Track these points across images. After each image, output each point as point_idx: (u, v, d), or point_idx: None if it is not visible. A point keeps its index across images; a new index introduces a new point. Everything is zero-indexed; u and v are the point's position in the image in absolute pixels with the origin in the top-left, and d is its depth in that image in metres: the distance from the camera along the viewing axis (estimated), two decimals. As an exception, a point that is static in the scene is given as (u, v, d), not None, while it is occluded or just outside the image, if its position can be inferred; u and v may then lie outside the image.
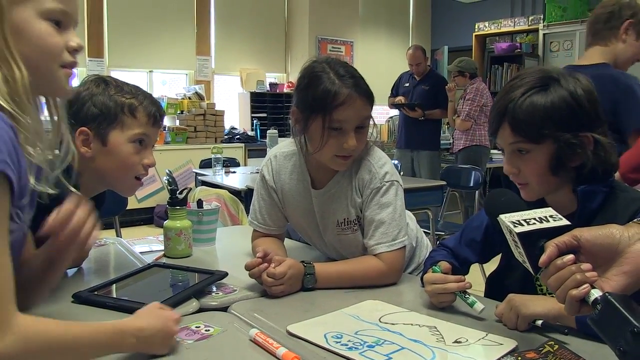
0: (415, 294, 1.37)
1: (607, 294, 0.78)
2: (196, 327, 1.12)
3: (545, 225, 0.92)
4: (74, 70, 0.97)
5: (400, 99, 5.22)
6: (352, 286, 1.39)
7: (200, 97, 6.92)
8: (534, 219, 0.94)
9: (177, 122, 6.71)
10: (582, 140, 1.15)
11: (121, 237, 2.72)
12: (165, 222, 1.69)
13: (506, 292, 1.19)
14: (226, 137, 6.89)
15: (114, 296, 1.22)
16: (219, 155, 4.49)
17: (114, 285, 1.31)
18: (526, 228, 0.92)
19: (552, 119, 1.15)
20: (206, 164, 4.83)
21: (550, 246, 0.87)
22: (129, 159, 1.36)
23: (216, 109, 6.78)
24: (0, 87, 0.84)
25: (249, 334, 1.06)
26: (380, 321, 1.16)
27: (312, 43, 7.42)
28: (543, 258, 0.87)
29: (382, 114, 7.49)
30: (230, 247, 1.86)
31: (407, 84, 5.27)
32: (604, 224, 0.89)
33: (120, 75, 6.73)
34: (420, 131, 5.11)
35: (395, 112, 6.00)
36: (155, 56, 6.78)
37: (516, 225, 0.92)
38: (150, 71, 6.97)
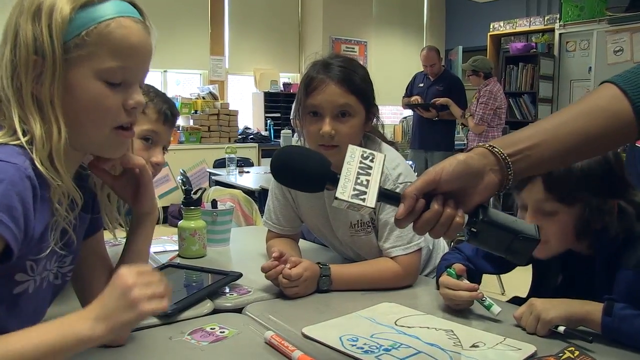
0: (431, 296, 1.35)
1: (483, 218, 0.83)
2: (211, 328, 1.11)
3: (375, 176, 0.87)
4: (129, 131, 0.91)
5: (416, 98, 5.19)
6: (368, 288, 1.38)
7: (214, 97, 6.93)
8: (359, 174, 0.86)
9: (191, 121, 6.73)
10: (611, 206, 1.15)
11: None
12: (179, 222, 1.69)
13: None
14: (240, 137, 6.90)
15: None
16: (232, 155, 4.50)
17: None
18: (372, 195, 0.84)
19: (587, 182, 1.14)
20: (220, 163, 4.84)
21: (409, 197, 0.82)
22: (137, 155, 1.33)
23: (230, 108, 6.79)
24: (39, 145, 0.82)
25: (264, 336, 1.06)
26: (396, 324, 1.15)
27: (325, 43, 7.40)
28: (401, 209, 0.82)
29: (396, 114, 7.45)
30: (244, 248, 1.86)
31: (421, 84, 5.24)
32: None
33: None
34: (434, 132, 5.07)
35: (409, 112, 5.96)
36: (170, 56, 6.80)
37: (361, 194, 0.83)
38: (164, 71, 7.00)
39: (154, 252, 1.71)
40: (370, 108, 1.43)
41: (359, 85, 1.39)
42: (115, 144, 0.91)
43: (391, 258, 1.41)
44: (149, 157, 1.36)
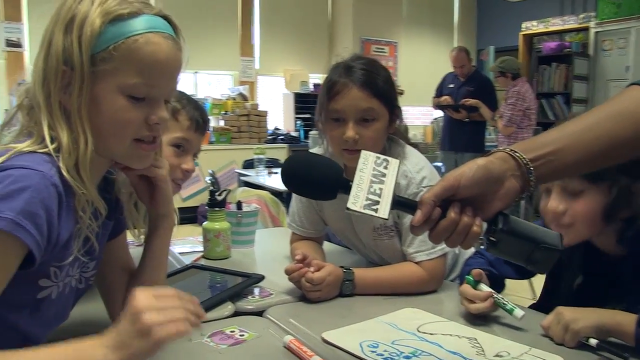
0: (455, 302, 1.32)
1: (502, 227, 0.80)
2: (231, 331, 1.11)
3: (389, 184, 0.84)
4: (151, 145, 0.91)
5: (445, 98, 5.13)
6: (392, 293, 1.36)
7: (244, 98, 6.98)
8: (373, 182, 0.83)
9: (222, 122, 6.79)
10: (638, 189, 1.10)
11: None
12: (204, 223, 1.69)
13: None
14: (270, 137, 6.93)
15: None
16: (261, 156, 4.52)
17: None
18: (386, 205, 0.81)
19: None
20: (249, 164, 4.86)
21: (426, 204, 0.79)
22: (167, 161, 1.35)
23: (260, 109, 6.83)
24: (65, 154, 0.83)
25: (283, 341, 1.05)
26: (418, 331, 1.13)
27: (355, 44, 7.37)
28: (418, 217, 0.79)
29: (427, 115, 7.38)
30: (269, 249, 1.86)
31: (451, 85, 5.18)
32: None
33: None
34: (464, 133, 5.00)
35: (440, 113, 5.90)
36: (201, 58, 6.87)
37: (374, 203, 0.81)
38: (195, 72, 7.08)
39: (180, 253, 1.72)
40: (393, 110, 1.41)
41: (381, 88, 1.37)
42: (136, 156, 0.91)
43: (415, 263, 1.39)
44: (180, 164, 1.37)
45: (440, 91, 5.30)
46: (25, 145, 0.82)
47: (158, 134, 0.92)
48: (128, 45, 0.84)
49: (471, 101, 4.86)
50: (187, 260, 1.62)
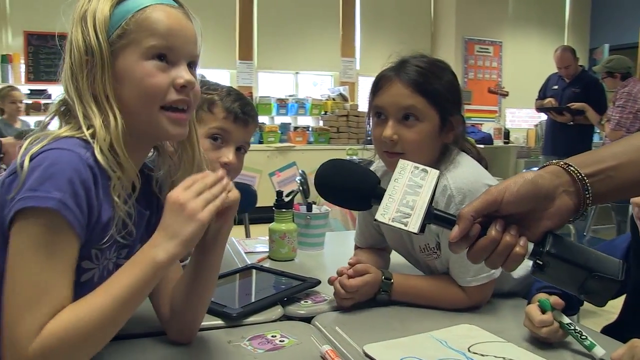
0: (519, 320, 1.21)
1: (549, 249, 0.73)
2: (272, 336, 1.09)
3: (425, 196, 0.78)
4: (182, 114, 0.94)
5: (550, 100, 4.83)
6: (427, 306, 1.28)
7: (344, 99, 7.00)
8: (407, 193, 0.78)
9: (321, 122, 6.86)
10: None
11: (249, 236, 2.84)
12: (270, 224, 1.70)
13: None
14: (368, 138, 6.86)
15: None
16: (354, 157, 4.50)
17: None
18: (419, 217, 0.76)
19: None
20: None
21: (464, 219, 0.72)
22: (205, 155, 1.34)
23: (359, 110, 6.81)
24: (100, 136, 0.87)
25: (320, 350, 1.02)
26: (468, 350, 1.05)
27: (458, 44, 7.16)
28: (454, 233, 0.73)
29: (533, 117, 7.01)
30: (338, 253, 1.82)
31: (555, 87, 4.86)
32: None
33: (268, 77, 7.07)
34: (567, 137, 4.66)
35: (545, 116, 5.57)
36: (302, 58, 6.98)
37: (405, 216, 0.76)
38: (296, 73, 7.20)
39: (245, 252, 1.74)
40: (446, 116, 1.28)
41: (433, 88, 1.25)
42: (166, 124, 0.93)
43: (460, 286, 1.28)
44: (218, 158, 1.35)
45: (543, 93, 5.00)
46: (63, 131, 0.88)
47: (189, 99, 0.94)
48: (137, 17, 0.90)
49: (577, 105, 4.53)
50: (252, 259, 1.64)
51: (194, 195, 0.84)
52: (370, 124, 1.36)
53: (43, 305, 0.77)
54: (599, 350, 1.02)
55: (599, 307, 0.93)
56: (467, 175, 1.27)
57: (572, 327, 1.07)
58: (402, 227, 0.75)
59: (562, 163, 0.74)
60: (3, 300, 0.78)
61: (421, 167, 0.82)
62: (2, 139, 4.54)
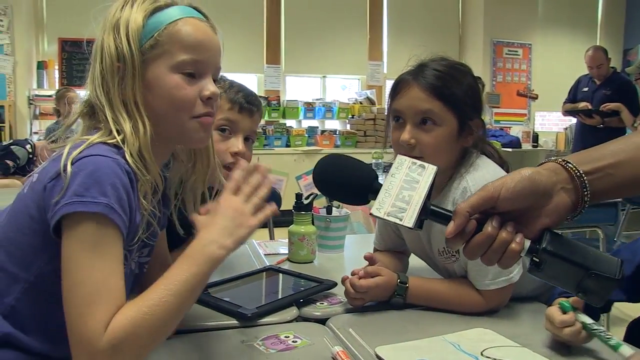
0: (537, 325, 1.20)
1: (545, 246, 0.72)
2: (285, 336, 1.10)
3: (421, 191, 0.78)
4: (210, 118, 0.99)
5: (585, 104, 4.73)
6: (443, 309, 1.28)
7: (371, 102, 6.99)
8: (403, 188, 0.78)
9: (348, 126, 6.86)
10: None
11: (273, 238, 2.86)
12: (290, 226, 1.71)
13: None
14: (389, 143, 6.84)
15: (216, 296, 1.25)
16: (380, 160, 4.49)
17: (223, 285, 1.34)
18: (414, 213, 0.76)
19: None
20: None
21: (460, 215, 0.72)
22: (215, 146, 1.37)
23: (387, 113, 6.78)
24: (129, 141, 0.91)
25: (331, 351, 1.02)
26: (482, 354, 1.04)
27: (486, 46, 7.08)
28: (450, 228, 0.73)
29: (564, 121, 6.88)
30: (359, 255, 1.79)
31: (585, 89, 4.77)
32: None
33: (295, 80, 7.11)
34: (597, 141, 4.51)
35: (575, 119, 5.46)
36: (329, 62, 7.00)
37: (400, 211, 0.77)
38: (323, 76, 7.22)
39: (265, 254, 1.76)
40: (465, 119, 1.28)
41: (451, 92, 1.25)
42: (195, 131, 0.98)
43: (477, 289, 1.27)
44: (228, 148, 1.38)
45: (573, 95, 4.91)
46: (96, 137, 0.91)
47: (212, 110, 0.99)
48: (169, 29, 0.94)
49: (611, 105, 4.43)
50: (272, 261, 1.65)
51: (244, 200, 0.91)
52: (390, 127, 1.36)
53: (104, 302, 0.80)
54: (625, 350, 0.98)
55: (597, 306, 0.91)
56: (488, 178, 1.26)
57: (596, 327, 1.04)
58: (397, 221, 0.76)
59: (560, 160, 0.74)
60: (64, 301, 0.82)
61: (419, 162, 0.83)
62: (37, 142, 4.68)
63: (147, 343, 0.82)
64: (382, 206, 0.77)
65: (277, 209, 0.94)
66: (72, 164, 0.84)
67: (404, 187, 0.79)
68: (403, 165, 0.82)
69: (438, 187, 1.32)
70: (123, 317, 0.80)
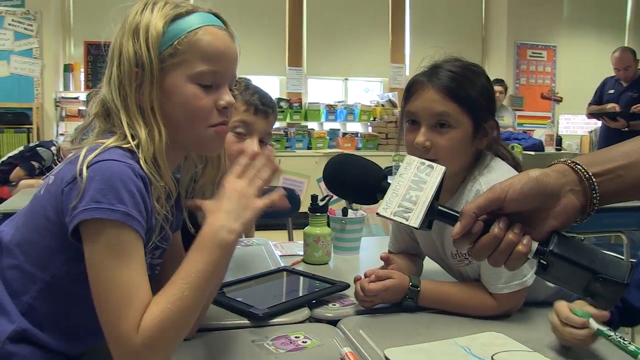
0: (550, 329, 1.18)
1: (552, 248, 0.72)
2: (295, 337, 1.11)
3: (428, 192, 0.78)
4: (225, 127, 1.00)
5: (613, 106, 4.65)
6: (456, 312, 1.27)
7: (393, 105, 6.96)
8: (411, 188, 0.78)
9: (370, 129, 6.85)
10: None
11: (292, 239, 2.87)
12: (305, 228, 1.72)
13: None
14: (401, 144, 6.80)
15: (230, 296, 1.27)
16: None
17: (237, 285, 1.36)
18: (420, 212, 0.76)
19: None
20: (387, 171, 4.84)
21: (466, 216, 0.72)
22: (229, 148, 1.33)
23: (408, 116, 6.75)
24: (144, 147, 0.91)
25: (340, 352, 1.03)
26: (492, 358, 1.04)
27: (510, 48, 7.01)
28: (456, 229, 0.73)
29: (590, 124, 6.76)
30: (374, 258, 1.80)
31: (611, 91, 4.68)
32: None
33: (317, 83, 7.12)
34: (622, 144, 4.48)
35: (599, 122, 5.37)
36: (351, 64, 7.00)
37: (407, 211, 0.77)
38: (345, 79, 7.22)
39: (280, 255, 1.77)
40: (480, 121, 1.27)
41: (466, 94, 1.24)
42: (211, 139, 0.98)
43: (490, 293, 1.26)
44: (242, 149, 1.39)
45: (598, 97, 4.83)
46: (112, 141, 0.92)
47: (228, 119, 0.99)
48: (189, 38, 0.93)
49: None
50: (287, 263, 1.66)
51: (248, 183, 0.91)
52: (403, 129, 1.35)
53: (135, 302, 0.82)
54: None
55: (605, 310, 0.90)
56: (501, 180, 1.25)
57: (612, 334, 1.01)
58: (403, 221, 0.76)
59: (569, 161, 0.73)
60: (96, 307, 0.84)
61: (427, 162, 0.83)
62: (62, 143, 4.77)
63: (175, 336, 0.85)
64: (389, 206, 0.77)
65: (284, 196, 0.94)
66: (87, 167, 0.85)
67: (412, 187, 0.79)
68: (411, 165, 0.82)
69: (451, 190, 1.32)
70: (150, 317, 0.82)
